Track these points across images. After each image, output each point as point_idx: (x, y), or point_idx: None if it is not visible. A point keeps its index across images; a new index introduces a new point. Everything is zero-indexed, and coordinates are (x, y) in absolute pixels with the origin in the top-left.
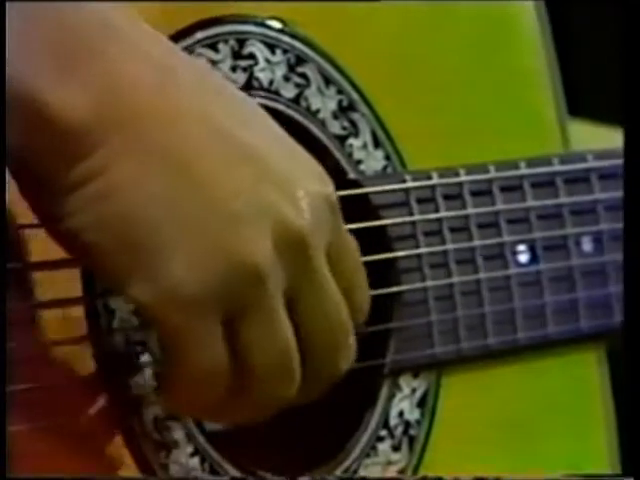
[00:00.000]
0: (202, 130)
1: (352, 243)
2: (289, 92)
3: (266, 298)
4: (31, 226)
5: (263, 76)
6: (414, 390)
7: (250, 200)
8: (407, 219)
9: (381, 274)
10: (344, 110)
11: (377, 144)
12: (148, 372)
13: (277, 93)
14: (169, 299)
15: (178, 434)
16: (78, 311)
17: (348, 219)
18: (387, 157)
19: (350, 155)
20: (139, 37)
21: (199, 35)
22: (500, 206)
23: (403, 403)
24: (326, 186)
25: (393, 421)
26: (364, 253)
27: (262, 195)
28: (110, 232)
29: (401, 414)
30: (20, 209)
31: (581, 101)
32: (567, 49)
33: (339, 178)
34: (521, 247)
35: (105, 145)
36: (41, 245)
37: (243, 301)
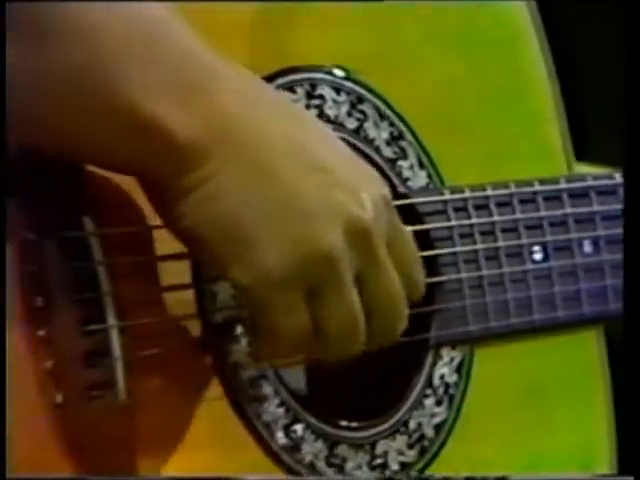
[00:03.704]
0: (285, 146)
1: (407, 233)
2: (351, 124)
3: (339, 277)
4: (155, 227)
5: (330, 112)
6: (452, 359)
7: (324, 201)
8: (445, 224)
9: (425, 267)
10: (395, 139)
11: (421, 166)
12: (243, 341)
13: (342, 125)
14: (263, 281)
15: (267, 390)
16: (190, 294)
17: None
18: (429, 176)
19: (400, 174)
20: (235, 77)
21: (280, 81)
22: (519, 215)
23: (444, 369)
24: (383, 188)
25: (436, 382)
26: None
27: (333, 197)
28: (217, 227)
29: (442, 377)
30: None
31: (583, 148)
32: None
33: (391, 192)
34: (536, 248)
35: (212, 158)
36: (162, 243)
37: (321, 280)
